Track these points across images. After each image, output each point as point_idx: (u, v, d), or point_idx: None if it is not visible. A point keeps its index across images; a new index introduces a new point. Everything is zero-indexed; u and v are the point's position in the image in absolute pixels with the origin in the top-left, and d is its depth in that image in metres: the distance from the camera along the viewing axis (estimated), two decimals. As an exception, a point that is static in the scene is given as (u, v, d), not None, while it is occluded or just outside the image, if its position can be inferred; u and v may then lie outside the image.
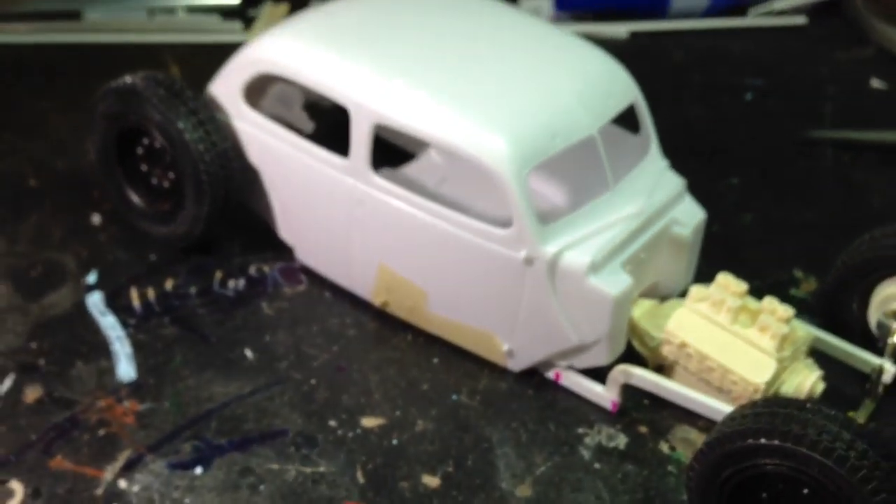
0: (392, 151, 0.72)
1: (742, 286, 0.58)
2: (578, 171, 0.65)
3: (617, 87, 0.63)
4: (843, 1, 1.12)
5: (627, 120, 0.65)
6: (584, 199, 0.64)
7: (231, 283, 0.67)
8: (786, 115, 0.94)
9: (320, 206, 0.64)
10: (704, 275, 0.68)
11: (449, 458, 0.57)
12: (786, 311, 0.57)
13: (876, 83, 1.01)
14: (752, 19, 1.11)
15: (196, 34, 1.00)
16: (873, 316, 0.62)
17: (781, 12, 1.11)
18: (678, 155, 0.86)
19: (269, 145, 0.65)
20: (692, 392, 0.57)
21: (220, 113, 0.66)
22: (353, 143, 0.60)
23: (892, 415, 0.61)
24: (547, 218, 0.58)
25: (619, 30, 1.07)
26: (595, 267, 0.57)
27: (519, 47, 0.63)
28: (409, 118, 0.58)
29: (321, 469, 0.55)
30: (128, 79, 0.66)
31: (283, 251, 0.69)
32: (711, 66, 1.03)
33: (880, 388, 0.59)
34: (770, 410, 0.48)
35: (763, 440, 0.46)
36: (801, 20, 1.11)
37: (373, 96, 0.59)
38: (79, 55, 0.95)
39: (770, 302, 0.58)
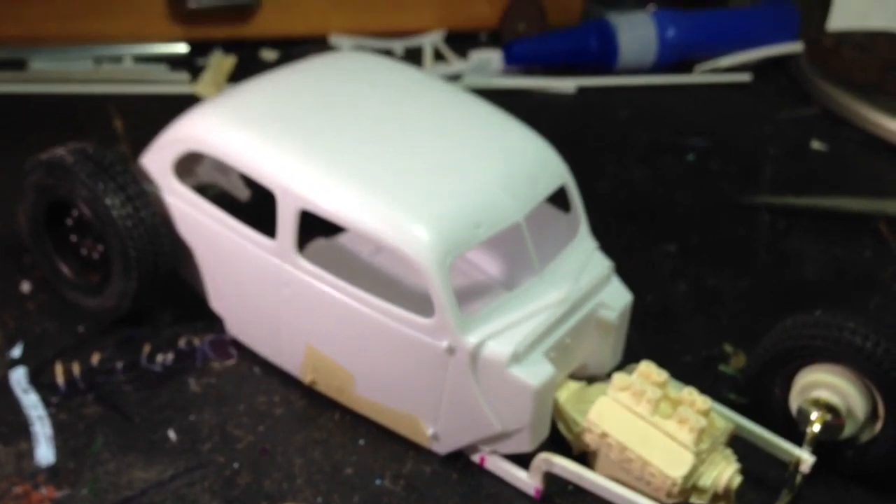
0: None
1: (663, 375, 0.59)
2: (509, 253, 0.65)
3: (546, 170, 0.63)
4: (789, 60, 1.14)
5: (557, 198, 0.66)
6: (509, 284, 0.65)
7: (159, 358, 0.67)
8: (726, 178, 0.96)
9: (249, 283, 0.64)
10: (637, 346, 0.69)
11: (368, 549, 0.57)
12: (704, 402, 0.57)
13: (816, 145, 1.03)
14: (697, 76, 1.12)
15: (143, 84, 1.00)
16: (794, 402, 0.63)
17: (727, 69, 1.13)
18: (618, 218, 0.88)
19: (200, 221, 0.65)
20: (612, 484, 0.57)
21: (151, 186, 0.66)
22: (280, 227, 0.60)
23: (812, 499, 0.62)
24: (471, 297, 0.59)
25: (568, 84, 1.08)
26: (517, 357, 0.57)
27: (447, 130, 0.63)
28: (333, 205, 0.58)
29: (238, 561, 0.55)
30: (58, 152, 0.65)
31: (214, 322, 0.69)
32: (656, 123, 1.04)
33: (798, 479, 0.60)
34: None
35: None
36: (745, 77, 1.13)
37: (298, 183, 0.59)
38: (23, 106, 0.95)
39: (690, 393, 0.58)
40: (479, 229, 0.58)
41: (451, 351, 0.57)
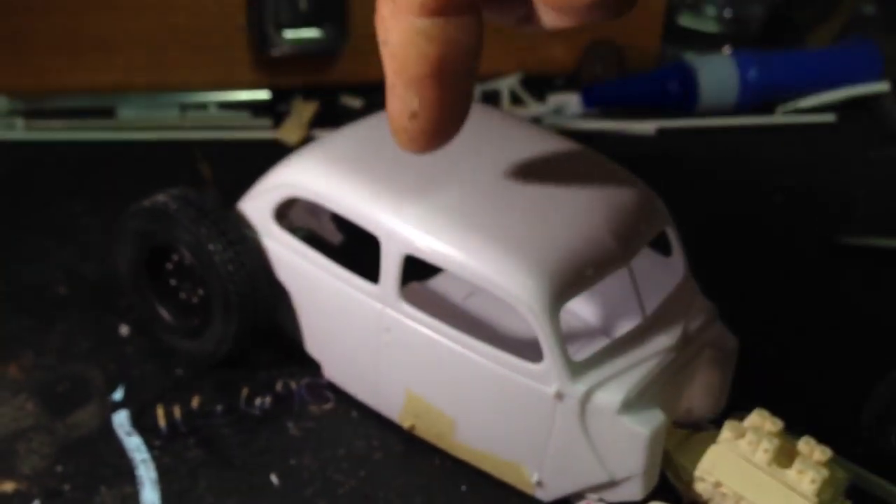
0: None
1: (778, 424, 0.57)
2: (612, 298, 0.64)
3: (649, 215, 0.62)
4: (873, 100, 1.12)
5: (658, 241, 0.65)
6: (617, 329, 0.64)
7: (257, 401, 0.67)
8: (817, 219, 0.94)
9: (348, 328, 0.64)
10: (739, 394, 0.67)
11: None
12: (824, 452, 0.56)
13: (907, 185, 1.01)
14: (780, 117, 1.11)
15: (226, 131, 1.01)
16: (913, 452, 0.61)
17: (809, 110, 1.11)
18: (706, 259, 0.86)
19: (299, 265, 0.65)
20: (729, 535, 0.56)
21: (250, 230, 0.66)
22: (383, 271, 0.60)
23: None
24: (578, 344, 0.58)
25: (647, 126, 1.07)
26: (628, 405, 0.56)
27: (550, 174, 0.63)
28: (439, 251, 0.58)
29: None
30: (159, 198, 0.66)
31: (309, 366, 0.69)
32: (739, 164, 1.03)
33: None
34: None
35: None
36: (829, 118, 1.11)
37: (403, 227, 0.59)
38: (111, 152, 0.97)
39: (808, 442, 0.56)
40: (587, 274, 0.57)
41: (559, 397, 0.56)
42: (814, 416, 0.70)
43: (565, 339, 0.57)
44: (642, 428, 0.55)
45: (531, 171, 0.63)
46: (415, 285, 0.70)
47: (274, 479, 0.62)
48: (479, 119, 0.68)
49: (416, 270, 0.63)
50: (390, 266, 0.60)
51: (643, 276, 0.62)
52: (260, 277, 0.65)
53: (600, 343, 0.59)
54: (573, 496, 0.60)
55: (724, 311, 0.66)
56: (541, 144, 0.66)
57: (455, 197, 0.60)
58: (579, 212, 0.60)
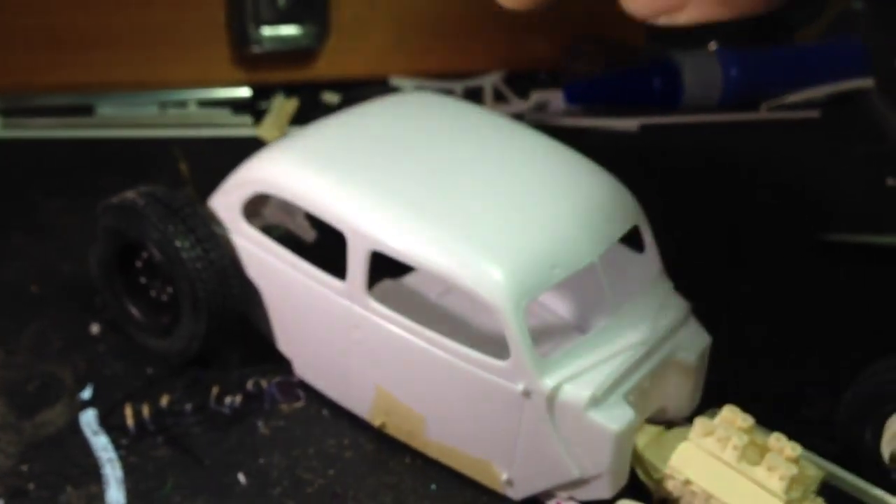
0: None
1: (748, 421, 0.57)
2: (583, 294, 0.64)
3: (620, 210, 0.62)
4: (859, 96, 1.12)
5: (631, 238, 0.64)
6: (585, 326, 0.63)
7: (227, 400, 0.66)
8: (800, 216, 0.93)
9: (317, 325, 0.63)
10: (715, 391, 0.66)
11: None
12: (794, 449, 0.55)
13: (892, 182, 1.00)
14: (764, 113, 1.10)
15: (207, 129, 1.01)
16: (886, 448, 0.60)
17: (794, 106, 1.11)
18: (689, 257, 0.85)
19: (268, 262, 0.65)
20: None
21: (219, 227, 0.66)
22: (350, 268, 0.60)
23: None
24: (546, 340, 0.57)
25: (630, 123, 1.07)
26: (596, 400, 0.55)
27: (520, 169, 0.62)
28: (405, 247, 0.57)
29: None
30: (128, 195, 0.66)
31: (281, 364, 0.68)
32: (723, 160, 1.02)
33: (894, 529, 0.57)
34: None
35: None
36: (814, 114, 1.10)
37: (369, 223, 0.58)
38: (91, 150, 0.96)
39: (778, 439, 0.56)
40: (555, 270, 0.57)
41: (527, 394, 0.56)
42: (790, 414, 0.69)
43: (534, 335, 0.57)
44: (610, 424, 0.55)
45: (500, 166, 0.62)
46: (387, 283, 0.70)
47: (242, 478, 0.61)
48: (449, 113, 0.68)
49: (391, 268, 0.63)
50: (357, 263, 0.59)
51: (615, 272, 0.61)
52: (229, 275, 0.65)
53: (570, 340, 0.58)
54: (543, 495, 0.60)
55: (703, 309, 0.66)
56: (511, 139, 0.66)
57: (421, 192, 0.59)
58: (547, 207, 0.59)
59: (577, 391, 0.55)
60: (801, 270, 0.85)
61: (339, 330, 0.62)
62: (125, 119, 1.01)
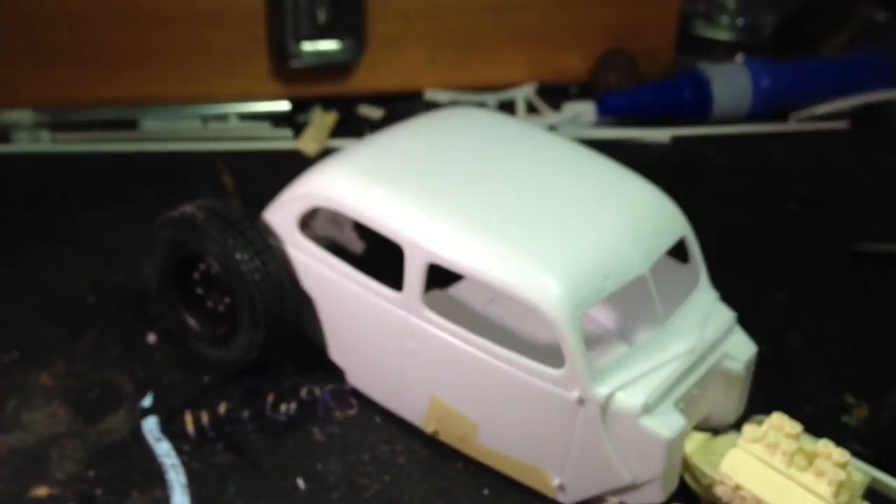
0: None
1: (796, 427, 0.58)
2: (630, 305, 0.65)
3: (667, 223, 0.64)
4: (886, 107, 1.13)
5: (676, 250, 0.66)
6: (635, 336, 0.65)
7: (283, 407, 0.68)
8: (832, 225, 0.95)
9: (372, 335, 0.65)
10: (755, 399, 0.68)
11: None
12: (842, 455, 0.57)
13: (924, 191, 1.02)
14: (793, 124, 1.12)
15: (247, 142, 1.03)
16: (929, 454, 0.61)
17: (823, 117, 1.12)
18: (723, 267, 0.87)
19: (323, 274, 0.66)
20: (747, 537, 0.57)
21: (275, 240, 0.68)
22: (407, 279, 0.61)
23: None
24: (598, 350, 0.59)
25: (662, 135, 1.08)
26: (648, 408, 0.57)
27: (569, 182, 0.64)
28: (462, 259, 0.59)
29: None
30: (187, 209, 0.68)
31: (333, 372, 0.70)
32: (754, 171, 1.04)
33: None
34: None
35: None
36: (843, 125, 1.12)
37: (426, 236, 0.60)
38: (135, 164, 0.98)
39: (826, 445, 0.57)
40: (607, 281, 0.58)
41: (581, 402, 0.57)
42: (832, 421, 0.71)
43: (585, 344, 0.59)
44: (662, 431, 0.56)
45: (549, 179, 0.64)
46: (436, 293, 0.72)
47: (301, 482, 0.63)
48: (498, 127, 0.70)
49: (437, 277, 0.65)
50: (414, 274, 0.61)
51: (662, 282, 0.63)
52: (285, 286, 0.67)
53: (619, 349, 0.60)
54: (594, 499, 0.61)
55: (741, 318, 0.67)
56: (558, 152, 0.68)
57: (475, 205, 0.61)
58: (600, 220, 0.61)
59: (629, 399, 0.57)
60: (835, 279, 0.87)
61: (394, 339, 0.63)
62: (168, 133, 1.03)
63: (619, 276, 0.59)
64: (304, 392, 0.70)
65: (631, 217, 0.62)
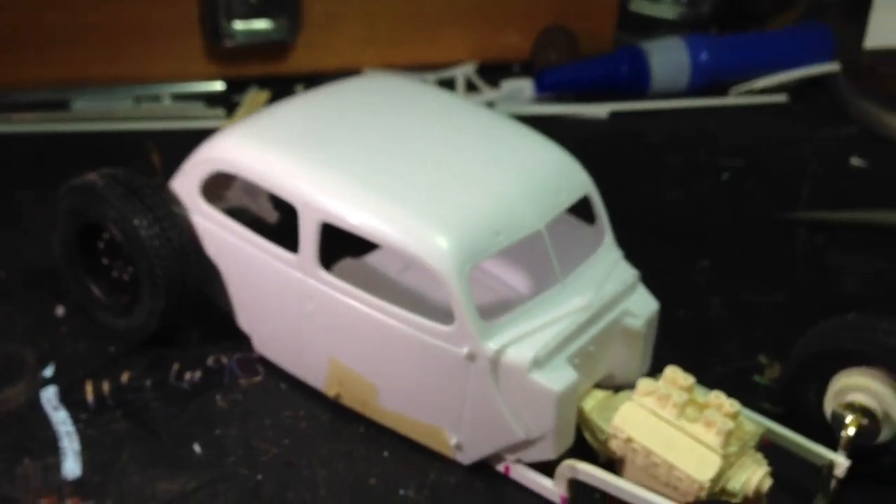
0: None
1: (689, 380, 0.58)
2: (528, 262, 0.65)
3: (567, 181, 0.63)
4: (826, 80, 1.13)
5: (585, 210, 0.66)
6: (531, 292, 0.64)
7: (187, 375, 0.68)
8: (762, 196, 0.94)
9: (273, 299, 0.64)
10: (670, 360, 0.67)
11: (389, 558, 0.56)
12: (732, 405, 0.56)
13: (856, 161, 1.01)
14: (732, 98, 1.11)
15: (180, 121, 1.02)
16: (829, 407, 0.61)
17: (763, 91, 1.12)
18: (652, 237, 0.87)
19: (226, 240, 0.66)
20: (638, 489, 0.56)
21: (178, 207, 0.67)
22: (302, 240, 0.61)
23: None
24: (494, 308, 0.58)
25: (600, 110, 1.08)
26: (538, 363, 0.56)
27: (469, 144, 0.64)
28: (353, 217, 0.58)
29: (258, 570, 0.55)
30: (89, 176, 0.67)
31: (241, 341, 0.70)
32: (690, 145, 1.03)
33: (832, 483, 0.58)
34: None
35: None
36: (782, 99, 1.12)
37: (318, 196, 0.59)
38: (66, 144, 0.97)
39: (717, 396, 0.57)
40: (498, 237, 0.58)
41: (471, 358, 0.57)
42: (745, 380, 0.71)
43: (483, 303, 0.58)
44: (553, 385, 0.56)
45: (450, 142, 0.64)
46: (348, 261, 0.71)
47: (197, 448, 0.62)
48: (404, 94, 0.69)
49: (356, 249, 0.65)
50: (308, 235, 0.60)
51: (564, 241, 0.63)
52: (188, 253, 0.66)
53: (515, 305, 0.59)
54: (492, 458, 0.61)
55: (661, 283, 0.67)
56: (464, 116, 0.67)
57: (370, 167, 0.61)
58: (493, 179, 0.61)
59: (519, 354, 0.56)
60: (760, 247, 0.87)
61: (293, 302, 0.63)
62: (100, 113, 1.02)
63: (512, 232, 0.58)
64: (210, 360, 0.69)
65: (527, 176, 0.61)
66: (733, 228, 0.89)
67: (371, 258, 0.72)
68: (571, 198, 0.63)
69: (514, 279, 0.68)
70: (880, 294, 0.81)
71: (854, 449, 0.59)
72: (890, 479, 0.61)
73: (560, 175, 0.63)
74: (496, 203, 0.59)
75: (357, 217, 0.58)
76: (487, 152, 0.63)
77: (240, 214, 0.77)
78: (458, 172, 0.61)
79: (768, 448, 0.61)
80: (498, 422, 0.58)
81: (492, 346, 0.56)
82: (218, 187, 0.74)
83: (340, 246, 0.67)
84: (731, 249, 0.86)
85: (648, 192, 0.95)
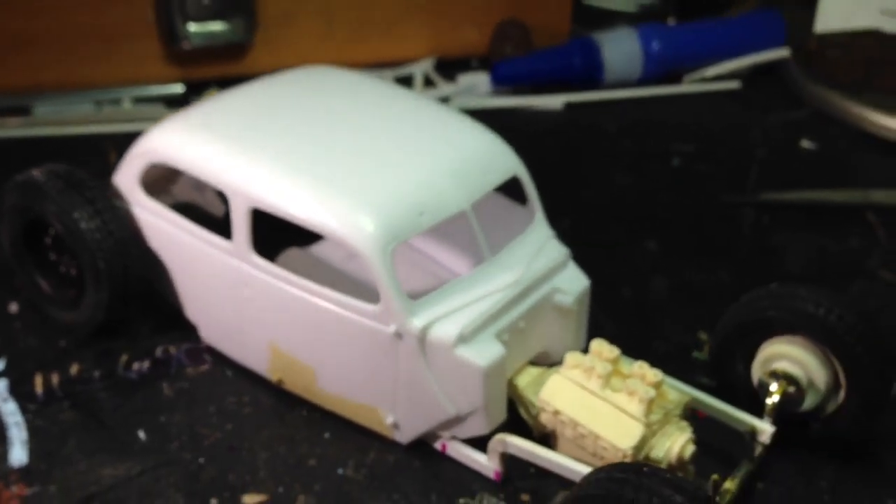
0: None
1: (614, 352, 0.59)
2: (456, 241, 0.66)
3: (494, 161, 0.65)
4: (779, 66, 1.15)
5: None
6: (460, 271, 0.66)
7: (136, 366, 0.69)
8: (712, 180, 0.96)
9: (213, 287, 0.66)
10: (610, 337, 0.68)
11: (325, 534, 0.57)
12: (655, 375, 0.58)
13: (806, 144, 1.03)
14: (686, 86, 1.13)
15: (140, 123, 1.03)
16: (756, 377, 0.62)
17: (715, 78, 1.13)
18: (601, 221, 0.88)
19: (166, 231, 0.67)
20: (566, 460, 0.57)
21: (119, 200, 0.69)
22: (234, 227, 0.62)
23: (780, 473, 0.61)
24: (424, 287, 0.60)
25: (555, 101, 1.10)
26: (464, 338, 0.58)
27: (398, 129, 0.65)
28: (280, 202, 0.60)
29: (195, 548, 0.56)
30: (31, 172, 0.68)
31: (191, 332, 0.71)
32: (644, 133, 1.05)
33: (758, 450, 0.59)
34: (621, 477, 0.48)
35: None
36: (734, 85, 1.13)
37: (247, 182, 0.61)
38: (27, 149, 0.99)
39: (640, 367, 0.58)
40: (422, 217, 0.59)
41: (398, 336, 0.58)
42: (683, 356, 0.72)
43: (412, 283, 0.60)
44: (478, 360, 0.57)
45: (379, 128, 0.65)
46: (293, 251, 0.72)
47: (142, 434, 0.64)
48: (340, 83, 0.71)
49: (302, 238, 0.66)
50: (240, 221, 0.62)
51: (492, 221, 0.64)
52: (129, 245, 0.67)
53: (443, 283, 0.61)
54: (429, 436, 0.62)
55: (607, 265, 0.67)
56: (398, 104, 0.69)
57: (299, 153, 0.62)
58: (418, 161, 0.62)
59: (445, 330, 0.58)
60: (705, 228, 0.88)
61: (231, 289, 0.64)
62: (61, 118, 1.04)
63: (436, 213, 0.60)
64: (159, 351, 0.70)
65: (453, 157, 0.63)
66: (681, 211, 0.91)
67: (317, 248, 0.73)
68: (499, 178, 0.64)
69: (445, 258, 0.69)
70: (822, 271, 0.83)
71: (783, 417, 0.61)
72: (819, 447, 0.63)
73: (486, 157, 0.65)
74: (421, 184, 0.61)
75: (284, 201, 0.60)
76: (417, 137, 0.65)
77: (188, 210, 0.78)
78: (385, 157, 0.62)
79: (702, 420, 0.62)
80: (430, 399, 0.59)
81: (418, 323, 0.58)
82: (165, 182, 0.76)
83: (287, 237, 0.68)
84: (678, 231, 0.88)
85: (601, 179, 0.96)
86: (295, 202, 0.59)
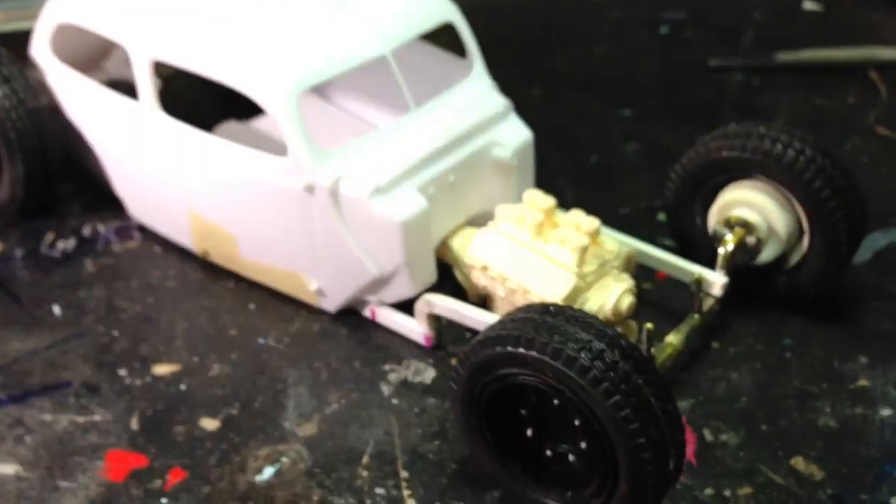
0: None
1: (549, 201, 0.54)
2: (380, 93, 0.61)
3: (423, 7, 0.59)
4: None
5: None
6: (382, 122, 0.61)
7: (60, 244, 0.65)
8: (703, 45, 0.88)
9: (130, 154, 0.62)
10: (572, 204, 0.63)
11: (236, 401, 0.54)
12: (591, 223, 0.52)
13: (809, 5, 0.95)
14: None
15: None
16: (712, 221, 0.57)
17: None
18: (575, 89, 0.82)
19: (79, 97, 0.63)
20: (489, 316, 0.52)
21: (33, 70, 0.64)
22: (139, 84, 0.58)
23: (739, 332, 0.56)
24: (343, 134, 0.55)
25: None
26: (380, 190, 0.53)
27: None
28: (182, 54, 0.55)
29: (96, 418, 0.53)
30: (-63, 46, 0.64)
31: (122, 211, 0.67)
32: (632, 1, 0.97)
33: (708, 302, 0.54)
34: (525, 317, 0.43)
35: (501, 348, 0.42)
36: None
37: (148, 35, 0.56)
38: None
39: (576, 215, 0.53)
40: (331, 63, 0.54)
41: (310, 189, 0.53)
42: (649, 219, 0.67)
43: (330, 136, 0.55)
44: (396, 214, 0.52)
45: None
46: (231, 123, 0.68)
47: (57, 309, 0.60)
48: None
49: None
50: (143, 75, 0.57)
51: (425, 71, 0.59)
52: (43, 115, 0.63)
53: (362, 135, 0.56)
54: (358, 304, 0.58)
55: (576, 131, 0.61)
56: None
57: (207, 10, 0.57)
58: (332, 7, 0.57)
59: (360, 183, 0.53)
60: (687, 94, 0.81)
61: (144, 152, 0.60)
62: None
63: (347, 59, 0.55)
64: (86, 229, 0.67)
65: (373, 5, 0.57)
66: (663, 79, 0.84)
67: (257, 122, 0.69)
68: (425, 24, 0.59)
69: (369, 114, 0.64)
70: (812, 128, 0.75)
71: (742, 270, 0.55)
72: (784, 305, 0.57)
73: (412, 3, 0.59)
74: (333, 32, 0.56)
75: (185, 52, 0.55)
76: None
77: (119, 86, 0.74)
78: (293, 11, 0.57)
79: (662, 280, 0.57)
80: (350, 259, 0.55)
81: (328, 175, 0.53)
82: (95, 57, 0.71)
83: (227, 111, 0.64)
84: (657, 97, 0.81)
85: (580, 47, 0.89)
86: (196, 53, 0.55)
